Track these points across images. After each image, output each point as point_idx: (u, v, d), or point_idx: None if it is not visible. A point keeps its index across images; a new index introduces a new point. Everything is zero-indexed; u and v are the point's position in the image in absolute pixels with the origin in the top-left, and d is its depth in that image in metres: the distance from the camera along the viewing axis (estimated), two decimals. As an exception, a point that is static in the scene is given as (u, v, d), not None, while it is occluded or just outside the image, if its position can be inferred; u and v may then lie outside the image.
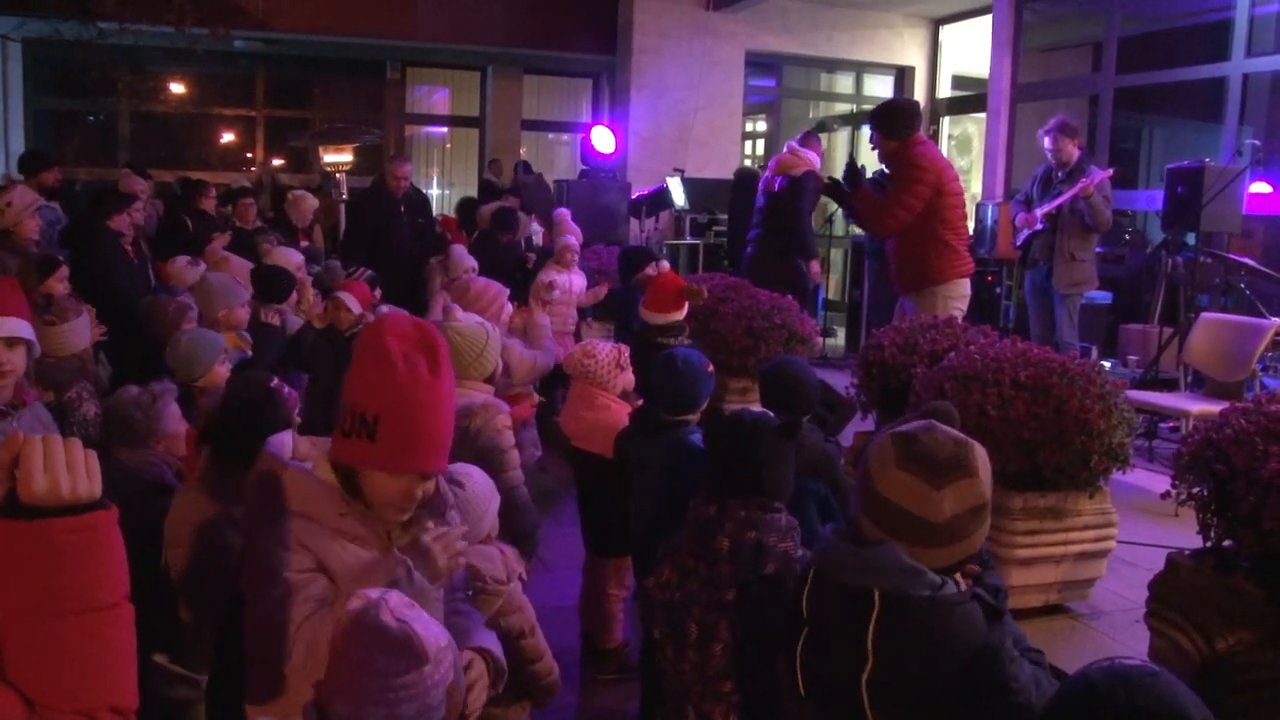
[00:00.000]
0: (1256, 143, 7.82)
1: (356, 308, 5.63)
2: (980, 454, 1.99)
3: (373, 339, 2.07)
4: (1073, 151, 7.39)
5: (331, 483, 2.09)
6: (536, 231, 11.24)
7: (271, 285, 5.98)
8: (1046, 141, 7.46)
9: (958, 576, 2.01)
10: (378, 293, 6.96)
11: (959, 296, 6.38)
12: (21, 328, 3.47)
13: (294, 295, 6.29)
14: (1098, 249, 7.93)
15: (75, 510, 1.44)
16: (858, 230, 14.23)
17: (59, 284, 5.53)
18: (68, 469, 1.45)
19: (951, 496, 1.92)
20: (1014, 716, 1.85)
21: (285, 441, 2.22)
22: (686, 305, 5.46)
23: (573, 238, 8.50)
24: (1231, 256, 7.75)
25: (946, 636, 1.85)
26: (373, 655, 1.64)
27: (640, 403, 4.62)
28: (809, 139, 8.77)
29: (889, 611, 1.85)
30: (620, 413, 4.38)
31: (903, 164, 6.21)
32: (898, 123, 6.29)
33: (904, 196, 6.18)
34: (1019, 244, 7.67)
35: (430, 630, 1.69)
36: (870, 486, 2.00)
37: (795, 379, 3.86)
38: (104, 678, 1.48)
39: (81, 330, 4.80)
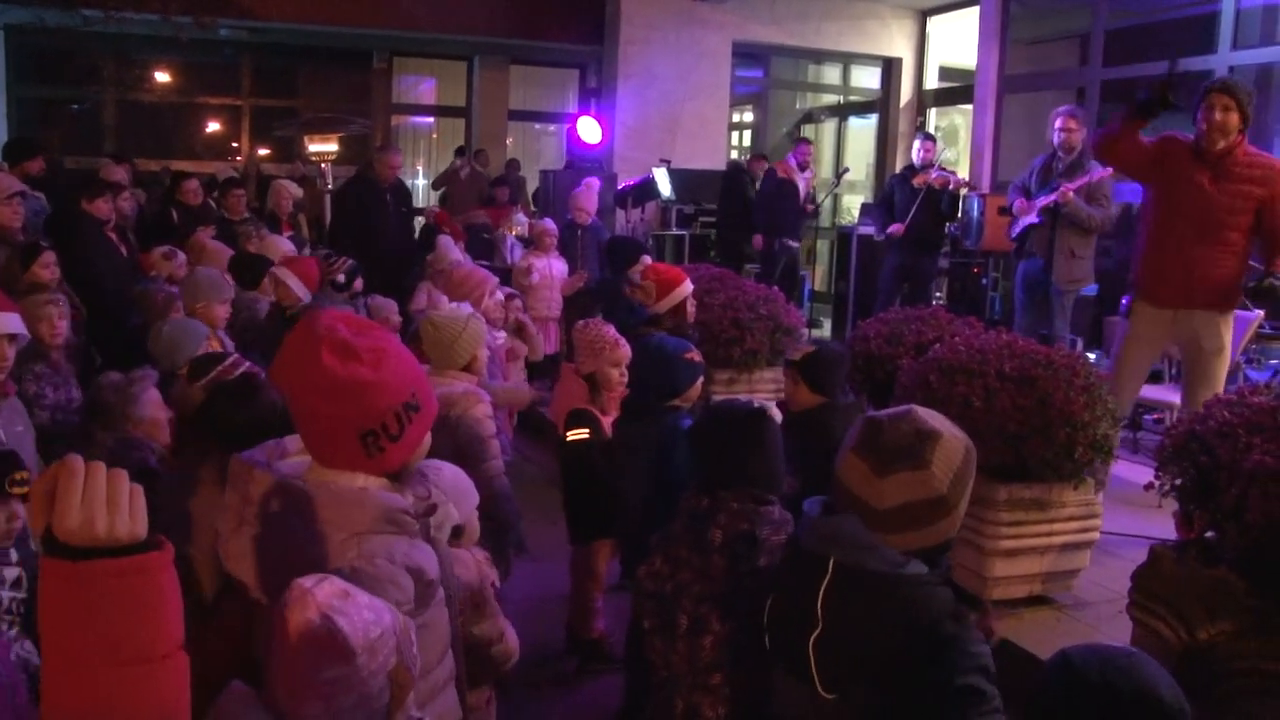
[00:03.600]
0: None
1: (299, 287, 5.60)
2: (944, 448, 1.98)
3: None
4: (1079, 137, 7.24)
5: None
6: (521, 222, 11.23)
7: (245, 272, 5.94)
8: (1058, 123, 7.24)
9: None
10: (359, 283, 6.94)
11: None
12: (16, 322, 3.47)
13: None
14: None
15: (121, 551, 1.30)
16: (843, 221, 14.33)
17: (44, 270, 5.49)
18: (108, 505, 1.30)
19: (894, 486, 1.95)
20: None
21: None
22: (671, 295, 5.43)
23: (549, 222, 8.67)
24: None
25: (896, 612, 1.89)
26: (299, 651, 1.60)
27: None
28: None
29: (840, 579, 1.91)
30: (578, 394, 4.40)
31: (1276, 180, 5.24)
32: (1251, 109, 5.26)
33: None
34: (1015, 235, 7.59)
35: (361, 619, 1.64)
36: (836, 464, 2.05)
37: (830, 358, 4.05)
38: None
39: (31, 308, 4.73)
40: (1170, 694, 1.71)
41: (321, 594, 1.65)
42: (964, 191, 9.76)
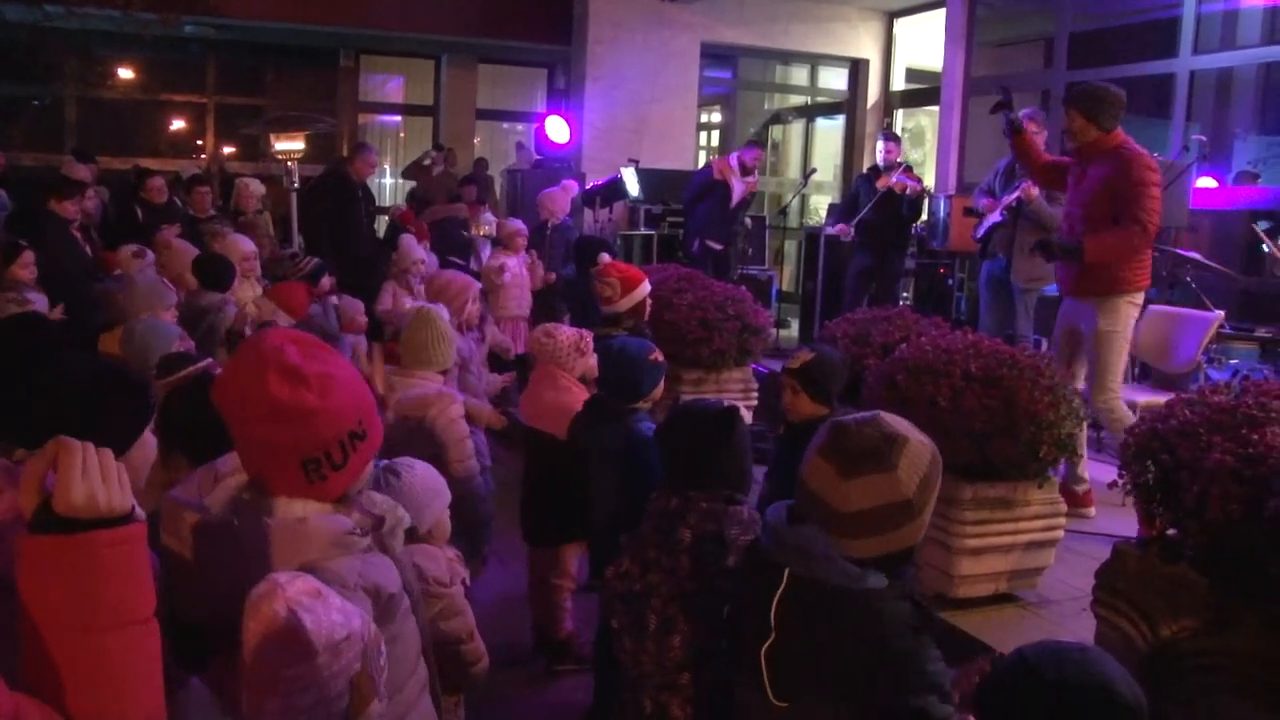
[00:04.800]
0: (1203, 138, 7.92)
1: (285, 320, 5.54)
2: (911, 452, 1.98)
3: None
4: (1040, 142, 7.30)
5: None
6: (490, 221, 11.21)
7: (214, 273, 5.88)
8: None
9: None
10: (325, 281, 6.89)
11: (1139, 305, 5.81)
12: None
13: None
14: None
15: (112, 522, 1.41)
16: (810, 221, 14.38)
17: (23, 270, 5.44)
18: (102, 479, 1.41)
19: (860, 489, 1.94)
20: None
21: None
22: (633, 294, 5.44)
23: (519, 222, 8.68)
24: (1178, 250, 7.85)
25: (850, 625, 1.88)
26: (262, 644, 1.61)
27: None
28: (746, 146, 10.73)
29: (794, 590, 1.90)
30: (579, 396, 4.37)
31: (1124, 164, 5.48)
32: (1109, 112, 5.58)
33: (1146, 207, 5.41)
34: (979, 236, 7.67)
35: (328, 620, 1.64)
36: (801, 468, 2.05)
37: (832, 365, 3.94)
38: (140, 693, 1.46)
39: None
40: (1127, 689, 1.71)
41: (292, 589, 1.64)
42: (925, 198, 9.84)
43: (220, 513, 1.96)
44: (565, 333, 4.52)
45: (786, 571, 1.92)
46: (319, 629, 1.62)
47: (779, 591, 1.92)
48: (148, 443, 2.09)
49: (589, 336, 4.57)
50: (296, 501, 1.93)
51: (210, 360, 3.52)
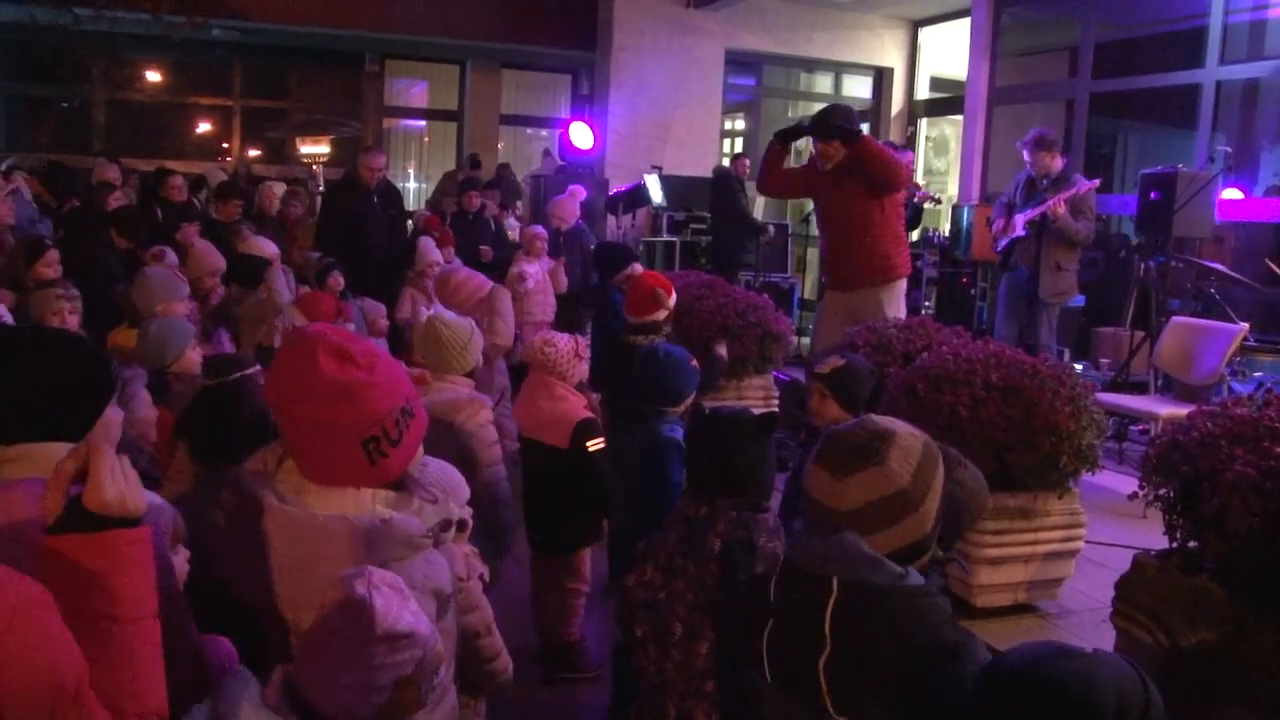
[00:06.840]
0: (1228, 149, 7.89)
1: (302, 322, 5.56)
2: (900, 444, 1.99)
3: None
4: (1051, 163, 7.31)
5: None
6: (513, 226, 11.24)
7: (244, 272, 5.92)
8: (1025, 155, 7.39)
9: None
10: (333, 280, 6.91)
11: (904, 293, 6.59)
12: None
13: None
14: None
15: (131, 522, 1.52)
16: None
17: (48, 268, 5.48)
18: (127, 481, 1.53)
19: (855, 486, 1.96)
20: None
21: None
22: (664, 305, 5.45)
23: (539, 228, 8.70)
24: (1203, 261, 7.81)
25: (905, 626, 1.87)
26: (332, 615, 1.66)
27: (595, 396, 4.68)
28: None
29: (846, 598, 1.88)
30: (576, 404, 4.39)
31: (870, 158, 6.11)
32: (853, 123, 6.30)
33: (902, 161, 6.24)
34: (1000, 249, 7.67)
35: (397, 614, 1.67)
36: (803, 479, 2.07)
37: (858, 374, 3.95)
38: (149, 682, 1.55)
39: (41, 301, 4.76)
40: (1118, 693, 1.67)
41: (377, 575, 1.70)
42: (929, 205, 9.81)
43: (282, 498, 2.00)
44: (564, 340, 4.52)
45: (835, 580, 1.91)
46: (385, 615, 1.66)
47: (832, 601, 1.91)
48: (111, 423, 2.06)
49: (585, 342, 4.59)
50: (365, 493, 1.98)
51: (259, 367, 3.54)
